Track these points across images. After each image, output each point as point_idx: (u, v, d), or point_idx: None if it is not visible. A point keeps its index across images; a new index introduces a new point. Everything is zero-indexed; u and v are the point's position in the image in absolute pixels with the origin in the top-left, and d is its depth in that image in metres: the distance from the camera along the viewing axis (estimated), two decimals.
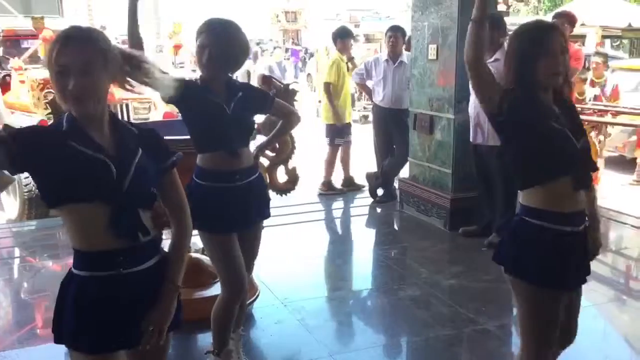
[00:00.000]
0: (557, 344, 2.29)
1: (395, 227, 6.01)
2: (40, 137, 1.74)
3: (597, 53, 7.86)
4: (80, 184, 1.71)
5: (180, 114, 2.81)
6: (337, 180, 6.85)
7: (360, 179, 6.79)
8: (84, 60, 1.68)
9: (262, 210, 2.93)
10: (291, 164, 3.82)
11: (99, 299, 1.76)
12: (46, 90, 6.53)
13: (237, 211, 2.76)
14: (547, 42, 2.11)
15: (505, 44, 4.74)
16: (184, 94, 2.52)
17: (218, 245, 2.79)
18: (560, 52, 2.11)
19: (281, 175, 3.79)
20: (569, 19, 5.62)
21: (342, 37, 6.69)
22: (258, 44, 24.23)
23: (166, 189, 1.91)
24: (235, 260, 2.79)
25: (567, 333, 2.35)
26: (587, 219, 2.23)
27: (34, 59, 8.03)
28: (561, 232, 2.14)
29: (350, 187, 6.84)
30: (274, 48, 16.29)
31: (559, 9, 8.58)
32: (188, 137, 3.10)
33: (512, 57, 2.20)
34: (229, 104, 2.70)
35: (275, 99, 2.94)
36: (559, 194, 2.13)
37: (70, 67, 1.67)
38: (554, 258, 2.15)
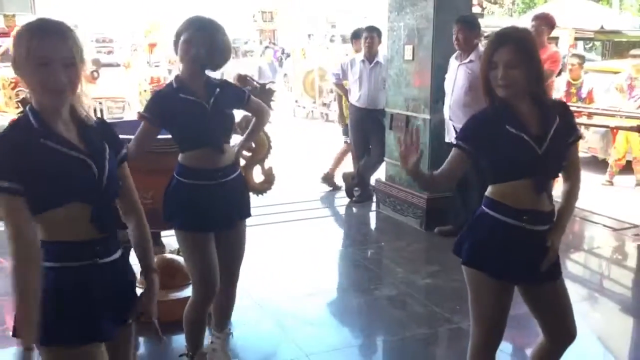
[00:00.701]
0: (498, 338, 2.35)
1: (372, 227, 6.02)
2: (15, 145, 1.67)
3: (574, 54, 7.93)
4: (65, 187, 1.69)
5: (164, 128, 2.79)
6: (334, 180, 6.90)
7: (337, 178, 6.80)
8: (68, 51, 1.67)
9: (243, 210, 2.92)
10: (267, 163, 3.80)
11: (78, 289, 1.75)
12: (18, 89, 6.43)
13: (218, 209, 2.75)
14: (495, 54, 2.15)
15: (480, 45, 4.82)
16: (160, 111, 2.66)
17: (195, 244, 2.76)
18: (505, 65, 2.13)
19: (257, 176, 3.76)
20: (547, 21, 5.66)
21: (357, 37, 6.73)
22: (246, 43, 24.13)
23: (122, 180, 1.91)
24: (211, 261, 2.77)
25: (559, 332, 2.38)
26: (547, 221, 2.26)
27: (5, 57, 7.89)
28: (510, 225, 2.20)
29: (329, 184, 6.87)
30: (265, 48, 16.04)
31: (533, 11, 8.67)
32: (166, 136, 3.09)
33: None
34: (208, 100, 2.71)
35: (250, 96, 2.94)
36: (517, 192, 2.20)
37: (53, 58, 1.65)
38: (488, 243, 2.23)
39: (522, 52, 2.14)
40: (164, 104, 2.71)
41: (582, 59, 8.05)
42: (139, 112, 2.75)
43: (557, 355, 2.42)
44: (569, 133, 2.27)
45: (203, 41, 2.64)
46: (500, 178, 2.24)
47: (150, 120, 2.69)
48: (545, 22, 5.59)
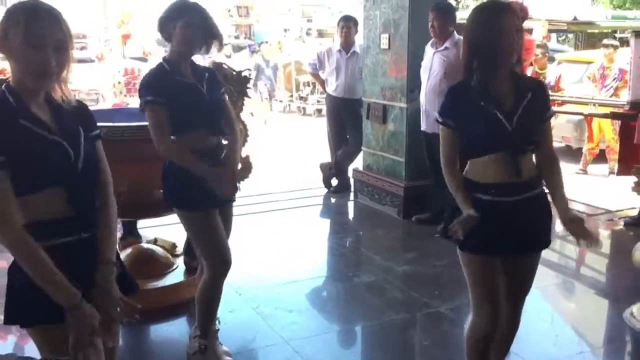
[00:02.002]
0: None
1: (350, 216, 6.03)
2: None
3: (538, 45, 8.00)
4: (42, 170, 1.67)
5: None
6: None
7: (314, 169, 6.79)
8: (61, 34, 1.67)
9: (236, 185, 2.93)
10: (244, 152, 3.78)
11: (67, 266, 1.70)
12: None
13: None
14: (503, 22, 2.16)
15: (455, 33, 4.84)
16: (160, 89, 2.63)
17: (203, 222, 2.79)
18: (514, 31, 2.17)
19: None
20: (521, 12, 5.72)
21: None
22: (237, 37, 23.88)
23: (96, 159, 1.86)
24: (220, 234, 2.82)
25: (508, 315, 2.44)
26: (530, 191, 2.30)
27: None
28: (482, 200, 2.24)
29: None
30: (261, 43, 15.60)
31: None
32: (138, 123, 3.06)
33: (470, 38, 2.26)
34: (201, 83, 2.74)
35: (225, 95, 2.95)
36: (488, 167, 2.24)
37: (47, 41, 1.64)
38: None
39: (520, 19, 2.22)
40: (160, 85, 2.68)
41: (545, 47, 8.13)
42: (141, 103, 2.69)
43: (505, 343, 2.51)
44: (543, 109, 2.30)
45: (200, 25, 2.68)
46: (473, 154, 2.28)
47: (157, 102, 2.65)
48: (523, 12, 5.62)
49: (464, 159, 2.32)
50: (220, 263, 2.84)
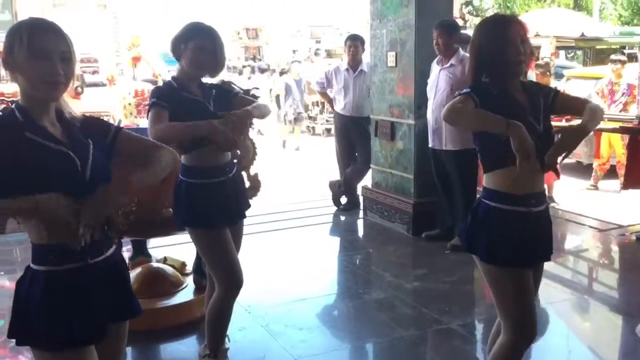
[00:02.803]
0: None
1: (359, 233, 6.03)
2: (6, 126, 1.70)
3: (537, 65, 7.90)
4: (49, 179, 1.68)
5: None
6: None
7: (323, 187, 6.80)
8: (65, 45, 1.71)
9: (246, 202, 3.02)
10: (253, 170, 3.80)
11: (70, 292, 1.73)
12: (1, 107, 6.41)
13: (228, 203, 2.83)
14: (508, 32, 2.19)
15: (460, 50, 4.87)
16: (169, 101, 2.66)
17: (215, 240, 2.80)
18: (520, 41, 2.20)
19: None
20: None
21: None
22: (253, 59, 24.03)
23: (126, 146, 1.90)
24: (232, 252, 2.83)
25: (529, 322, 2.38)
26: (544, 200, 2.32)
27: None
28: (513, 212, 2.22)
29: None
30: (290, 63, 15.55)
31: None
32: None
33: (477, 50, 2.28)
34: (208, 101, 2.78)
35: (239, 93, 2.99)
36: (519, 177, 2.17)
37: (52, 52, 1.68)
38: (504, 237, 2.23)
39: (525, 29, 2.24)
40: (166, 94, 2.73)
41: (547, 67, 8.06)
42: (149, 104, 2.71)
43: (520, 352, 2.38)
44: (548, 94, 2.34)
45: (213, 48, 2.73)
46: (504, 161, 2.19)
47: (161, 105, 2.67)
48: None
49: (491, 168, 2.27)
50: (232, 282, 2.85)
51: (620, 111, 7.25)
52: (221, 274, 2.86)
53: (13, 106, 1.74)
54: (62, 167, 1.72)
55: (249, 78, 13.69)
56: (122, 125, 2.02)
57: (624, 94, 7.41)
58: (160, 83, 8.27)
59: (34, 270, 1.74)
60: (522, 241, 2.22)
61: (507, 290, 2.28)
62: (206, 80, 2.93)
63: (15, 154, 1.65)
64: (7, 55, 1.70)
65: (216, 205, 2.77)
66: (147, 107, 2.74)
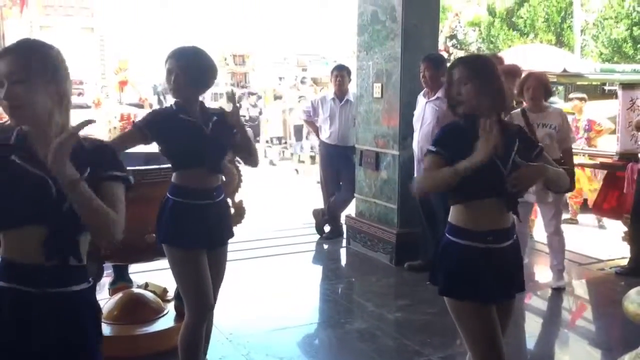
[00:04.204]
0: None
1: (342, 262, 6.02)
2: None
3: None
4: (17, 205, 1.65)
5: (159, 143, 2.83)
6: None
7: (307, 215, 6.81)
8: (17, 67, 1.66)
9: (228, 231, 3.00)
10: (237, 197, 3.81)
11: (30, 316, 1.67)
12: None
13: (212, 227, 2.82)
14: (495, 70, 2.29)
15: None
16: (158, 126, 2.71)
17: (190, 262, 2.78)
18: (458, 81, 2.28)
19: None
20: (498, 60, 5.88)
21: None
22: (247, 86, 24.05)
23: (105, 192, 1.73)
24: (205, 278, 2.80)
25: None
26: (513, 236, 2.35)
27: None
28: (468, 247, 2.26)
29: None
30: (301, 80, 15.30)
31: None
32: (154, 167, 3.11)
33: (464, 85, 2.32)
34: (206, 124, 2.80)
35: (237, 134, 2.92)
36: (480, 213, 2.24)
37: (2, 76, 1.65)
38: (459, 271, 2.27)
39: (471, 70, 2.26)
40: (162, 121, 2.77)
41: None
42: (133, 121, 2.77)
43: None
44: (531, 148, 2.38)
45: (181, 69, 2.74)
46: (465, 197, 2.27)
47: (140, 129, 2.73)
48: (497, 60, 5.75)
49: (455, 202, 2.33)
50: (201, 306, 2.81)
51: (588, 145, 7.50)
52: (190, 297, 2.82)
53: (16, 129, 1.73)
54: (35, 191, 1.67)
55: (254, 106, 13.79)
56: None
57: (585, 129, 7.73)
58: (146, 108, 8.29)
59: None
60: (478, 276, 2.25)
61: (468, 325, 2.31)
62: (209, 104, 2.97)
63: None
64: None
65: (197, 227, 2.77)
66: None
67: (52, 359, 1.73)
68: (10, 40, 11.49)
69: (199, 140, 2.75)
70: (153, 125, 2.75)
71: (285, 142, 14.60)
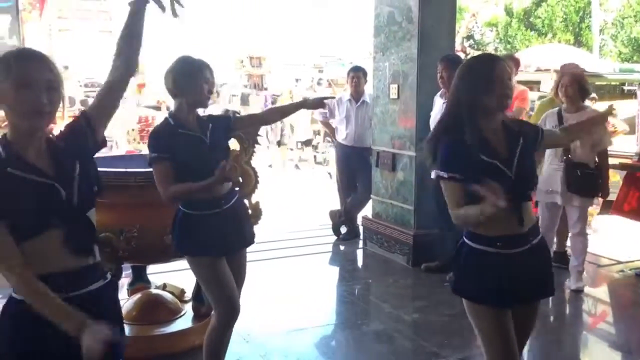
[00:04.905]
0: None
1: (359, 264, 6.02)
2: None
3: (541, 97, 8.00)
4: (34, 215, 1.67)
5: None
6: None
7: (323, 216, 6.81)
8: (49, 74, 1.70)
9: (248, 234, 3.01)
10: (254, 198, 3.81)
11: (39, 325, 1.67)
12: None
13: (226, 234, 2.84)
14: (493, 70, 2.24)
15: None
16: (166, 143, 2.73)
17: (211, 269, 2.82)
18: (507, 78, 2.25)
19: None
20: (513, 60, 5.83)
21: None
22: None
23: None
24: (229, 282, 2.84)
25: None
26: (532, 241, 2.31)
27: None
28: (487, 252, 2.25)
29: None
30: (317, 81, 15.26)
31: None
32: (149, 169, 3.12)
33: (459, 87, 2.30)
34: (205, 134, 2.83)
35: (235, 115, 3.06)
36: (492, 220, 2.17)
37: (36, 80, 1.67)
38: (476, 274, 2.27)
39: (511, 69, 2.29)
40: (165, 139, 2.77)
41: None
42: (149, 157, 2.77)
43: None
44: (535, 138, 2.38)
45: (167, 83, 2.82)
46: (475, 203, 2.21)
47: (161, 157, 2.74)
48: (512, 60, 5.70)
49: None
50: (228, 311, 2.85)
51: None
52: (217, 303, 2.86)
53: None
54: (46, 199, 1.71)
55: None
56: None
57: None
58: (163, 110, 8.32)
59: (12, 299, 1.73)
60: (491, 281, 2.23)
61: (482, 327, 2.32)
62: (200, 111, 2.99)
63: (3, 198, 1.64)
64: None
65: (207, 236, 2.80)
66: (148, 158, 2.79)
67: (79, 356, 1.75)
68: (30, 43, 11.62)
69: (201, 154, 2.77)
70: (163, 148, 2.74)
71: (317, 145, 14.55)
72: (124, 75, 2.00)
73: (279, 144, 13.56)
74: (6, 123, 1.75)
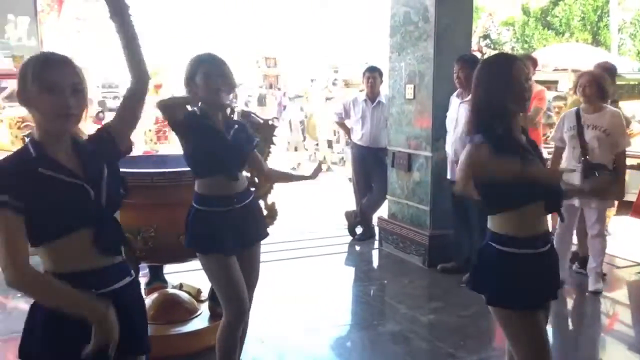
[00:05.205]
0: None
1: (374, 264, 6.01)
2: (13, 173, 1.68)
3: (557, 97, 7.91)
4: (64, 215, 1.70)
5: (181, 141, 2.86)
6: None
7: (339, 217, 6.81)
8: (76, 77, 1.74)
9: (260, 231, 3.02)
10: (270, 199, 3.83)
11: (74, 322, 1.70)
12: (26, 131, 6.53)
13: (236, 233, 2.84)
14: (512, 71, 2.22)
15: None
16: (188, 120, 2.74)
17: (220, 266, 2.82)
18: (524, 79, 2.24)
19: None
20: (531, 59, 5.79)
21: None
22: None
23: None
24: (238, 282, 2.83)
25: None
26: (551, 239, 2.34)
27: (11, 97, 8.02)
28: (521, 255, 2.22)
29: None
30: (333, 82, 15.07)
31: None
32: (166, 170, 3.14)
33: (478, 90, 2.29)
34: (228, 131, 2.84)
35: (255, 149, 3.05)
36: (526, 220, 2.20)
37: (62, 84, 1.70)
38: (515, 280, 2.23)
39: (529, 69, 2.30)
40: (191, 122, 2.78)
41: (566, 99, 8.08)
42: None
43: None
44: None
45: (225, 74, 2.80)
46: (514, 203, 2.21)
47: (178, 124, 2.78)
48: (530, 60, 5.66)
49: (499, 210, 2.27)
50: (236, 311, 2.85)
51: None
52: (226, 302, 2.87)
53: (27, 141, 1.76)
54: (76, 199, 1.74)
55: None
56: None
57: None
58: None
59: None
60: (532, 283, 2.22)
61: (520, 332, 2.27)
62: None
63: (29, 190, 1.66)
64: (20, 90, 1.73)
65: (217, 233, 2.80)
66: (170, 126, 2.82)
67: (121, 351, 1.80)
68: (48, 44, 11.73)
69: (218, 148, 2.78)
70: (187, 123, 2.77)
71: (317, 145, 14.55)
72: (137, 84, 2.00)
73: (296, 149, 13.53)
74: (26, 124, 1.77)
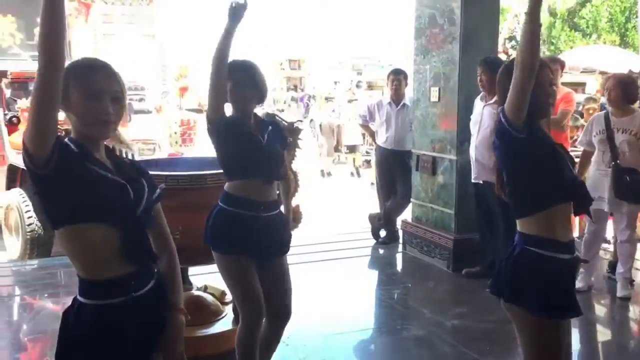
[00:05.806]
0: None
1: (398, 268, 5.98)
2: (68, 153, 1.70)
3: (589, 98, 7.82)
4: (100, 204, 1.71)
5: (214, 143, 2.89)
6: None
7: (363, 220, 6.79)
8: (117, 85, 1.77)
9: (280, 248, 2.98)
10: (294, 202, 3.82)
11: (117, 326, 1.74)
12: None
13: (257, 240, 2.82)
14: (539, 76, 2.17)
15: None
16: (225, 121, 2.76)
17: (235, 267, 2.83)
18: (548, 84, 2.23)
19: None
20: (559, 62, 5.72)
21: None
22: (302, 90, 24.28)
23: (155, 215, 1.94)
24: (253, 285, 2.83)
25: None
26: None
27: None
28: (560, 260, 2.17)
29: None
30: (356, 84, 15.05)
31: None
32: (214, 172, 3.23)
33: (501, 94, 2.29)
34: (263, 135, 2.85)
35: (286, 148, 3.10)
36: (557, 222, 2.17)
37: (104, 91, 1.73)
38: (555, 287, 2.16)
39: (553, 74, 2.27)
40: (228, 125, 2.80)
41: (598, 101, 7.95)
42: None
43: None
44: None
45: (249, 81, 2.82)
46: (547, 202, 2.17)
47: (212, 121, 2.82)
48: (557, 63, 5.58)
49: (530, 212, 2.22)
50: (251, 313, 2.84)
51: None
52: (241, 304, 2.88)
53: (66, 140, 1.75)
54: (118, 197, 1.76)
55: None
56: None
57: None
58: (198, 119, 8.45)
59: (80, 303, 1.76)
60: (570, 291, 2.20)
61: (545, 340, 2.19)
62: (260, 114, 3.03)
63: (77, 182, 1.68)
64: (63, 96, 1.72)
65: (238, 234, 2.80)
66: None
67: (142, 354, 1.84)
68: (76, 47, 11.91)
69: (255, 152, 2.80)
70: (219, 124, 2.79)
71: (341, 146, 14.52)
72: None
73: (328, 153, 13.52)
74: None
